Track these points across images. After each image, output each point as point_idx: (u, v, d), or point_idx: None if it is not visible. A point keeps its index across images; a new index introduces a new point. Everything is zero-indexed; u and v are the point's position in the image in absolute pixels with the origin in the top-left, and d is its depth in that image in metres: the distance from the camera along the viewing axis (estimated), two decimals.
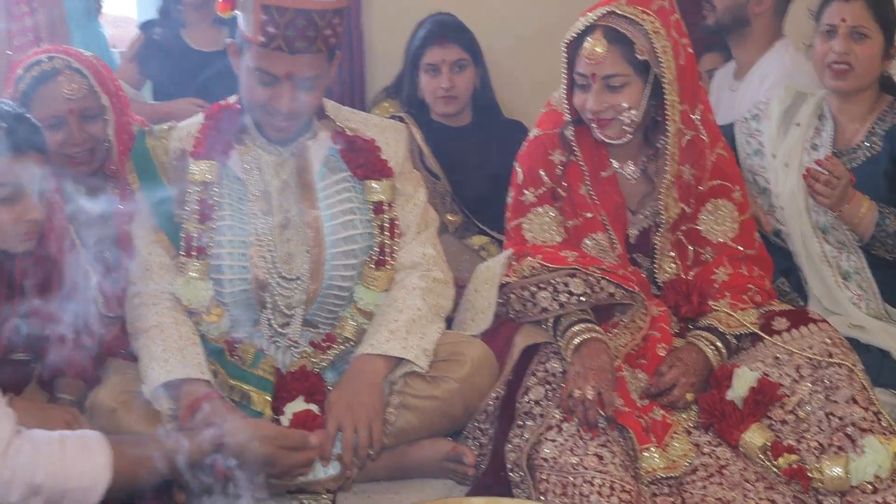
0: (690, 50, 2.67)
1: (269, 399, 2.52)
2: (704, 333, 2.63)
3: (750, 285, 2.72)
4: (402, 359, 2.53)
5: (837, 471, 2.36)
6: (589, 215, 2.77)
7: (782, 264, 3.05)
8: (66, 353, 2.61)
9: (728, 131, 3.16)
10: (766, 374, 2.55)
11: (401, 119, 3.53)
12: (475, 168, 3.56)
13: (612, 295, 2.62)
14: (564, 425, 2.44)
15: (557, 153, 2.78)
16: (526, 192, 2.79)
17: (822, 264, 3.03)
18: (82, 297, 2.81)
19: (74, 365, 2.61)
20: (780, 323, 2.64)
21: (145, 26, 4.11)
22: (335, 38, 2.48)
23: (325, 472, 2.43)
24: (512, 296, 2.65)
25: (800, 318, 2.64)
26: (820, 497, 2.38)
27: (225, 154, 2.60)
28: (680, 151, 2.68)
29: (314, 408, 2.49)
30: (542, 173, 2.78)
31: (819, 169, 2.86)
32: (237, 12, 2.50)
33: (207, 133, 2.60)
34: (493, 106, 3.73)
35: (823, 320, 2.64)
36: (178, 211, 2.57)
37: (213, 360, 2.54)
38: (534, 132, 2.85)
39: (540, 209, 2.78)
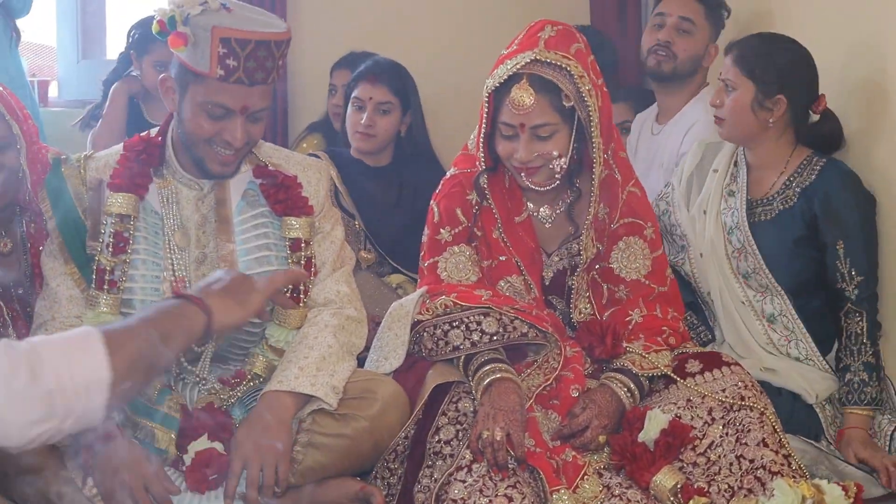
0: (605, 89, 2.68)
1: (174, 437, 2.46)
2: (618, 375, 2.62)
3: (664, 327, 2.71)
4: (312, 396, 2.49)
5: None
6: (503, 258, 2.75)
7: (687, 297, 3.03)
8: None
9: None
10: (679, 417, 2.54)
11: (317, 157, 3.51)
12: (391, 208, 3.57)
13: (524, 335, 2.60)
14: (475, 466, 2.41)
15: (474, 193, 2.77)
16: (442, 230, 2.77)
17: (743, 308, 3.03)
18: None
19: None
20: (694, 365, 2.64)
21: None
22: (283, 70, 2.48)
23: None
24: (424, 334, 2.62)
25: (713, 360, 2.64)
26: None
27: (143, 187, 2.55)
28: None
29: (218, 446, 2.44)
30: (459, 212, 2.76)
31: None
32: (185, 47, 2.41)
33: (127, 164, 2.55)
34: (423, 151, 3.70)
35: (736, 363, 2.64)
36: (92, 242, 2.52)
37: None
38: (451, 172, 2.83)
39: (456, 248, 2.76)
